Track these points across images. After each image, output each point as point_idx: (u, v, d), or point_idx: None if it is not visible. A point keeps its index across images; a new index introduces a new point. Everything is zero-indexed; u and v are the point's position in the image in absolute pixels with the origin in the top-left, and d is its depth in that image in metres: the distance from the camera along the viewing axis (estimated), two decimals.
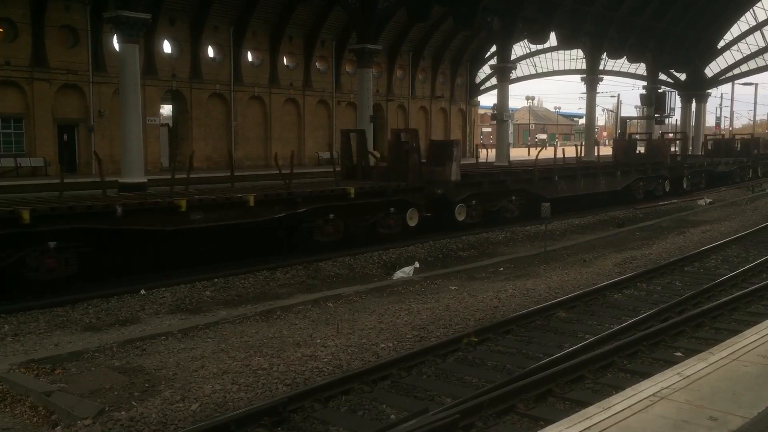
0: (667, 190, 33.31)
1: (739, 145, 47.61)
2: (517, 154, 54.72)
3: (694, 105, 62.46)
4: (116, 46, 31.17)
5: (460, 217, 21.63)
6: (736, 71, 62.18)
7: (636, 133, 51.23)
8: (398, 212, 19.66)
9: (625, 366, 8.97)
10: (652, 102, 52.45)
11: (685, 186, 35.23)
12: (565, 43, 50.37)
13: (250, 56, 43.75)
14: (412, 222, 20.01)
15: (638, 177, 31.30)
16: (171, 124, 42.66)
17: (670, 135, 46.87)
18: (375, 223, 19.27)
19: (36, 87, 33.91)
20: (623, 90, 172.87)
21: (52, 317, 11.95)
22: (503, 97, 44.16)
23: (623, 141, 39.43)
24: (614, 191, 29.71)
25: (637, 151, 38.29)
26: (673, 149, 41.64)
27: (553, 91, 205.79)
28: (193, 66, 40.25)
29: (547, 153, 34.81)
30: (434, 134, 57.41)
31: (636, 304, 12.58)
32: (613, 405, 5.03)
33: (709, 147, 47.24)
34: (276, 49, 44.32)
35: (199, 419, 7.47)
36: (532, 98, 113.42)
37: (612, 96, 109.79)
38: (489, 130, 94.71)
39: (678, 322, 10.68)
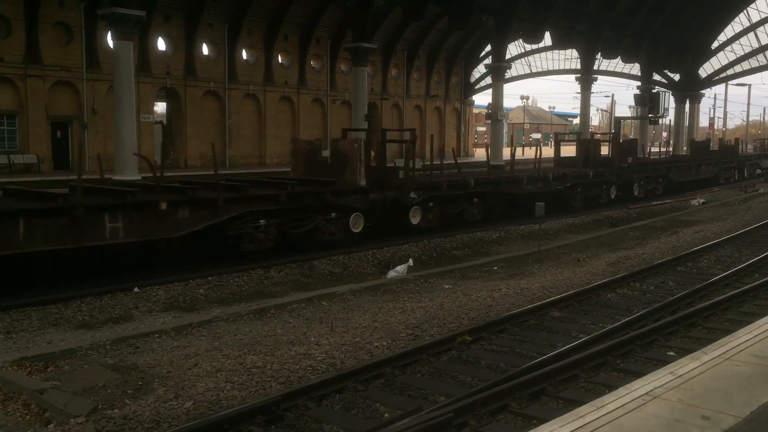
0: (357, 230, 18.39)
1: (609, 150, 31.58)
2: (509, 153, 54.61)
3: (687, 105, 62.68)
4: (110, 43, 31.10)
5: None
6: (730, 72, 62.44)
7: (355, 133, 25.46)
8: None
9: (618, 365, 9.00)
10: (646, 102, 52.59)
11: (416, 221, 19.69)
12: (559, 43, 50.48)
13: (244, 54, 43.68)
14: None
15: (244, 212, 16.13)
16: (165, 122, 42.57)
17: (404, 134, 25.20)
18: None
19: (29, 84, 33.78)
20: (617, 90, 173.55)
21: (45, 315, 11.91)
22: (498, 96, 44.21)
23: (303, 143, 21.34)
24: (194, 235, 15.49)
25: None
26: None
27: (548, 91, 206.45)
28: (188, 63, 40.17)
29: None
30: (429, 133, 57.46)
31: (629, 303, 12.62)
32: (606, 404, 5.05)
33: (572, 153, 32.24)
34: (271, 47, 44.28)
35: (193, 417, 7.46)
36: (527, 98, 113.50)
37: (606, 96, 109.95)
38: (483, 129, 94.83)
39: (671, 321, 10.71)
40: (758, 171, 50.00)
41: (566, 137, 36.75)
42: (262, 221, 16.48)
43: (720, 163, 41.88)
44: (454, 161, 27.30)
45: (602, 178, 29.07)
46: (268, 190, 17.49)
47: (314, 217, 17.60)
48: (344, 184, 18.71)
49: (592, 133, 35.20)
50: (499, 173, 26.06)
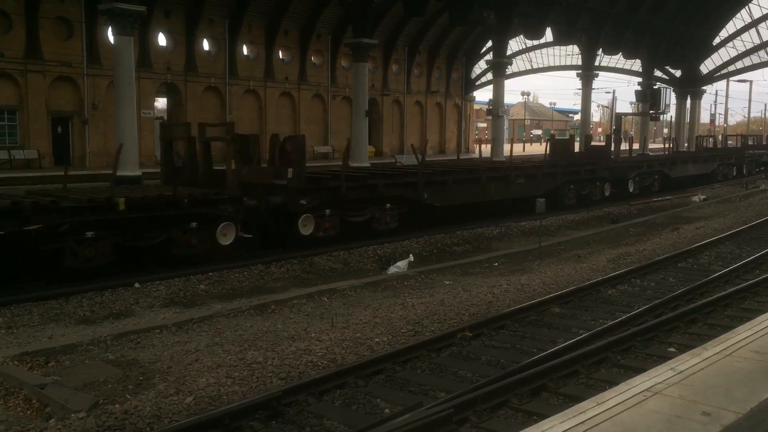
0: None
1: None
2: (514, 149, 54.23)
3: (689, 102, 62.64)
4: (111, 38, 31.12)
5: None
6: (731, 68, 62.35)
7: None
8: None
9: (618, 361, 9.00)
10: (648, 98, 52.54)
11: None
12: (560, 39, 50.41)
13: (245, 49, 43.64)
14: None
15: None
16: (165, 117, 42.56)
17: None
18: None
19: (30, 79, 33.77)
20: (618, 86, 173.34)
21: (46, 310, 11.91)
22: (498, 92, 44.20)
23: None
24: None
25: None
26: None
27: (549, 87, 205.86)
28: (188, 59, 40.14)
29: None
30: (430, 129, 57.46)
31: (630, 299, 12.61)
32: (607, 400, 5.05)
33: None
34: (271, 42, 44.23)
35: (194, 412, 7.46)
36: (528, 94, 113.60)
37: (607, 92, 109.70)
38: (484, 125, 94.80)
39: (671, 317, 10.71)
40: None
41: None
42: None
43: (569, 173, 26.85)
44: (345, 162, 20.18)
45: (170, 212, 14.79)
46: None
47: None
48: None
49: (202, 125, 17.98)
50: None
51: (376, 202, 19.24)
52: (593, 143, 34.45)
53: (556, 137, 34.85)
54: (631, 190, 30.63)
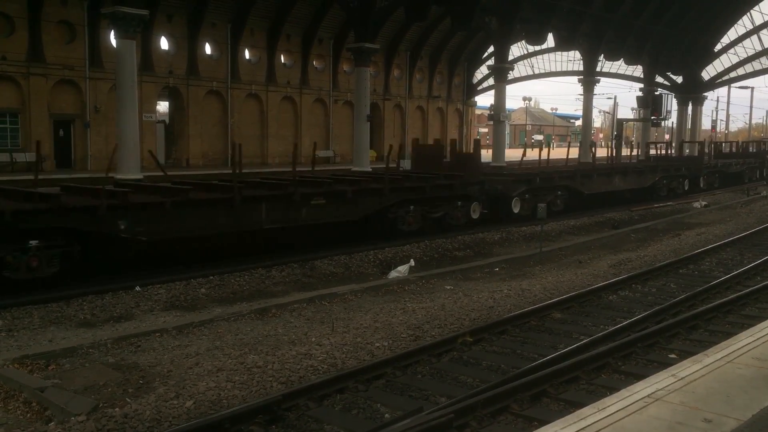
0: None
1: None
2: (511, 155, 54.20)
3: (690, 108, 62.64)
4: (113, 41, 31.17)
5: None
6: (733, 74, 62.41)
7: None
8: None
9: (619, 367, 8.98)
10: (649, 104, 52.56)
11: None
12: (562, 45, 50.50)
13: (247, 54, 43.72)
14: None
15: None
16: (167, 121, 42.62)
17: None
18: None
19: (32, 82, 33.84)
20: (620, 92, 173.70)
21: (46, 313, 11.91)
22: (500, 97, 44.22)
23: None
24: None
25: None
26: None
27: (550, 92, 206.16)
28: (190, 63, 40.21)
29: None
30: (431, 134, 57.50)
31: (631, 305, 12.60)
32: (608, 406, 5.04)
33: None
34: (273, 46, 44.31)
35: (194, 416, 7.45)
36: (529, 99, 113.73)
37: (609, 98, 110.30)
38: (486, 130, 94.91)
39: (673, 324, 10.69)
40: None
41: None
42: None
43: (405, 189, 19.97)
44: None
45: None
46: None
47: None
48: None
49: None
50: None
51: (9, 238, 12.48)
52: (461, 152, 27.79)
53: (420, 142, 27.07)
54: (516, 211, 23.89)
